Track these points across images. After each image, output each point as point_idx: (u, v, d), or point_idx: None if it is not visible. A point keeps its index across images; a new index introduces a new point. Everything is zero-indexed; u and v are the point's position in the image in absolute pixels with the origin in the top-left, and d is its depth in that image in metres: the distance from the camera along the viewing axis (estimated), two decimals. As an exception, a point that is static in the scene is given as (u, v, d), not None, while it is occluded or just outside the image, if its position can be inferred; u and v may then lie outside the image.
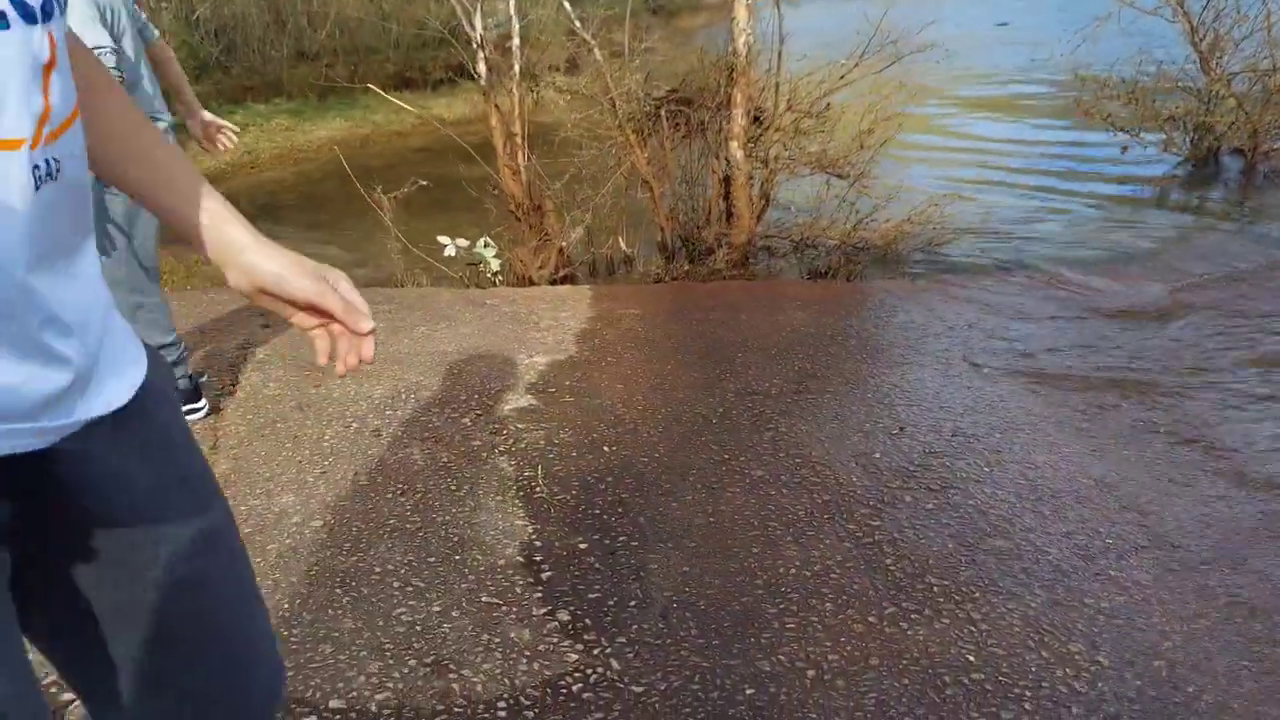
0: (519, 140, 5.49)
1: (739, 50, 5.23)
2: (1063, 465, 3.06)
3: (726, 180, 5.63)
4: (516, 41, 5.46)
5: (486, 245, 5.23)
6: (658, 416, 3.39)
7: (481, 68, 5.49)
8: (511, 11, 5.43)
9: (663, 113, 5.56)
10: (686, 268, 5.41)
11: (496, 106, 5.46)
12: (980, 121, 9.76)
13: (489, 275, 5.26)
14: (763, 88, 5.42)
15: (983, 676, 2.08)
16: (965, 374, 3.82)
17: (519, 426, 3.29)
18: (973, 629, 2.25)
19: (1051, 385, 3.72)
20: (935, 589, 2.41)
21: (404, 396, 3.54)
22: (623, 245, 5.59)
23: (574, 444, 3.17)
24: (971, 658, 2.14)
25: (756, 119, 5.56)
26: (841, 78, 5.40)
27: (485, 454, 3.09)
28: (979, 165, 8.08)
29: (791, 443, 3.20)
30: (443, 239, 5.24)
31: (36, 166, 0.72)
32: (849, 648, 2.18)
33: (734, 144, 5.45)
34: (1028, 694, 2.04)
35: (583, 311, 4.54)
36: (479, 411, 3.40)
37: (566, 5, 5.63)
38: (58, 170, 0.75)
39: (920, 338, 4.26)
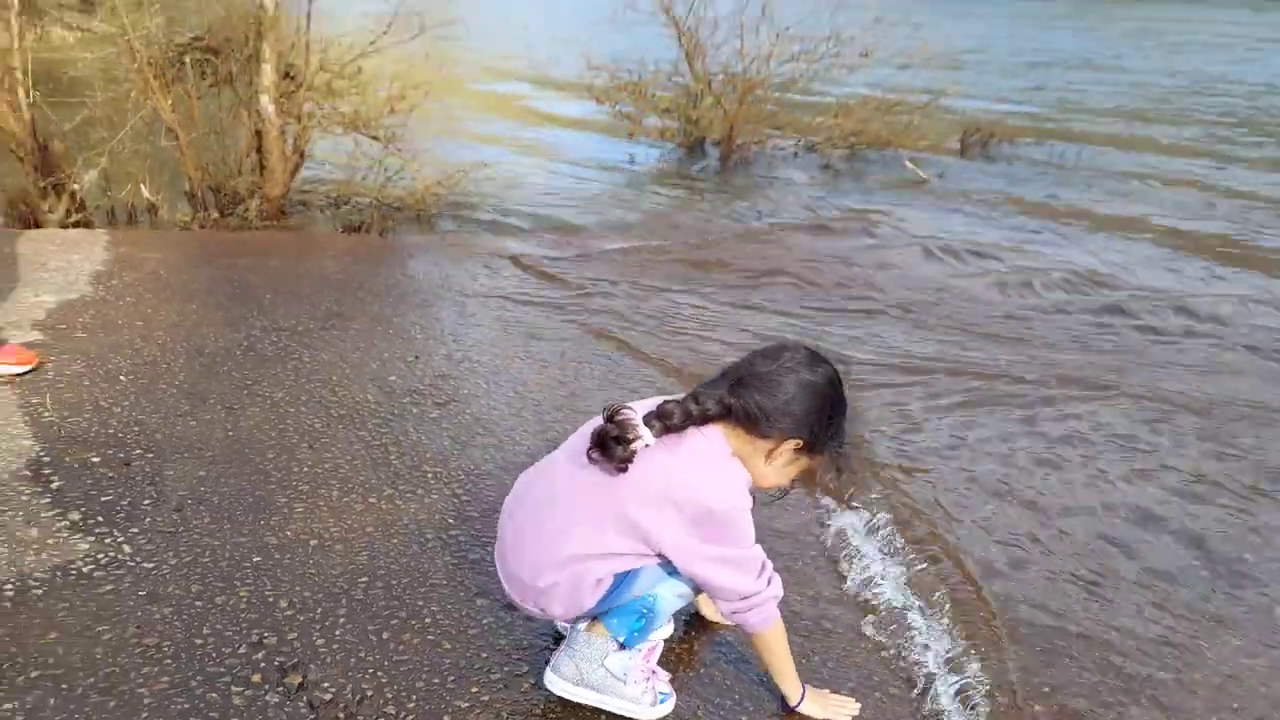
0: (18, 75, 5.08)
1: (265, 4, 5.31)
2: (546, 382, 3.69)
3: (259, 134, 5.69)
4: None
5: (-22, 184, 4.81)
6: (179, 349, 3.50)
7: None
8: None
9: (187, 60, 5.47)
10: (215, 217, 5.40)
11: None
12: (509, 88, 10.55)
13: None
14: (293, 44, 5.55)
15: (459, 532, 2.58)
16: (478, 313, 4.36)
17: (23, 360, 3.22)
18: (456, 501, 2.74)
19: (548, 317, 4.39)
20: (429, 475, 2.87)
21: (-121, 335, 3.28)
22: (145, 192, 5.42)
23: (87, 374, 3.19)
24: (452, 520, 2.64)
25: (289, 75, 5.67)
26: (371, 43, 5.70)
27: (-17, 386, 3.02)
28: (510, 140, 8.83)
29: (313, 370, 3.50)
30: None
31: None
32: (349, 522, 2.56)
33: (265, 97, 5.52)
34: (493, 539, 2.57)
35: (98, 255, 4.41)
36: (-25, 347, 3.27)
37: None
38: None
39: (443, 284, 4.73)
